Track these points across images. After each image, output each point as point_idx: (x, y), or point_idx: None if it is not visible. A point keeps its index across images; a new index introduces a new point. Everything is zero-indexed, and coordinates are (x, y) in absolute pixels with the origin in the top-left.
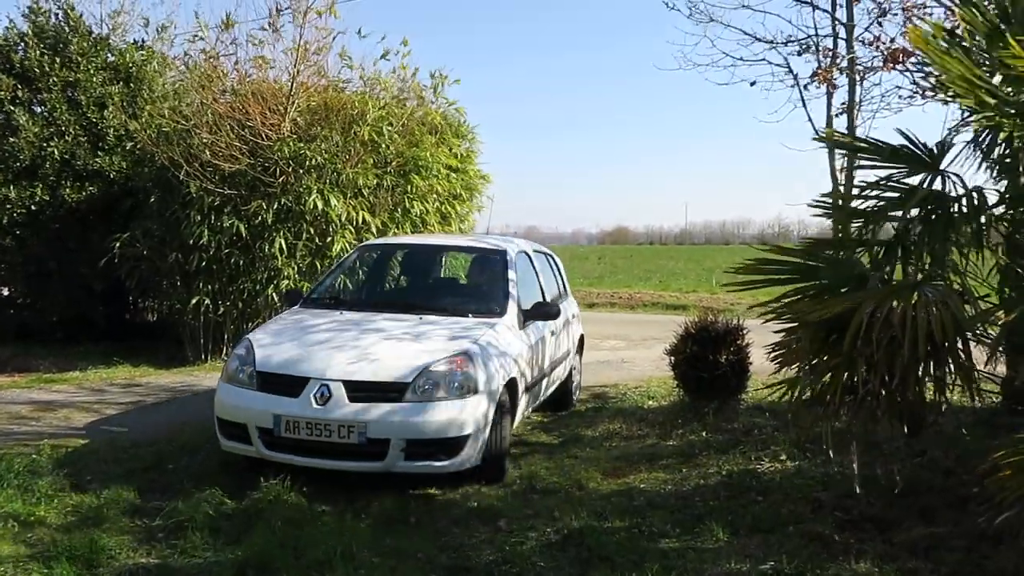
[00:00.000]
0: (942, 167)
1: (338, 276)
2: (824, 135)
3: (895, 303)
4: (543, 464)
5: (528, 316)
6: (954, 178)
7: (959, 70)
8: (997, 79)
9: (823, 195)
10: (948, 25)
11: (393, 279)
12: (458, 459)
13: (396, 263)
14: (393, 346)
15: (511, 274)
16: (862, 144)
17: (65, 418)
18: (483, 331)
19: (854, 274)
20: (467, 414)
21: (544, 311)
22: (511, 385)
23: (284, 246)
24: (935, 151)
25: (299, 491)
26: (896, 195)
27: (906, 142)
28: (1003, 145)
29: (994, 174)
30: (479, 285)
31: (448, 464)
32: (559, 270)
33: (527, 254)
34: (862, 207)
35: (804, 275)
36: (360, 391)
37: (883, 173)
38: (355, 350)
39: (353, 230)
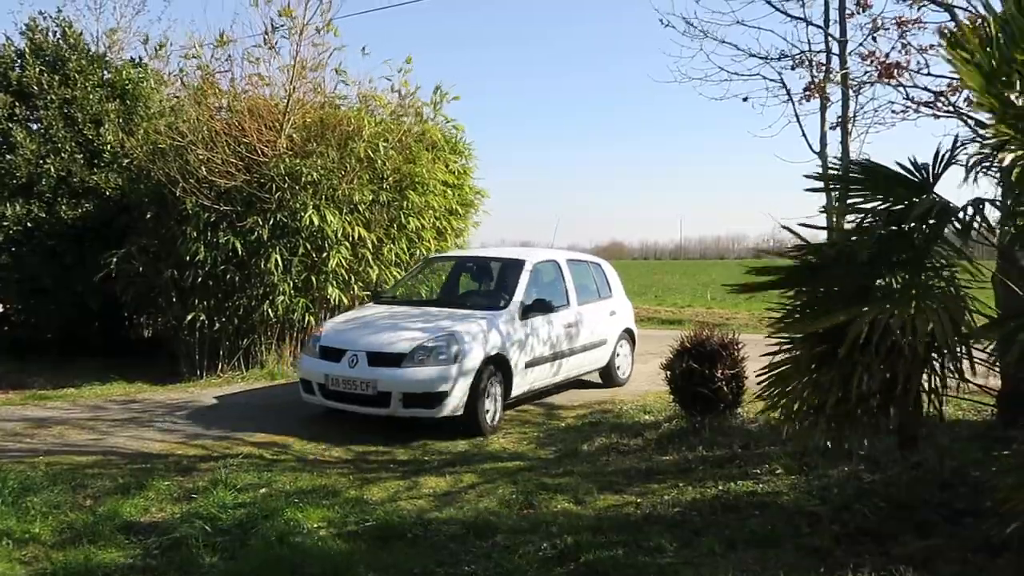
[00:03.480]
0: (936, 190)
1: (407, 279)
2: (817, 162)
3: (896, 311)
4: (540, 479)
5: (529, 309)
6: (947, 200)
7: (980, 81)
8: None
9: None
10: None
11: (442, 282)
12: (439, 408)
13: (447, 270)
14: (407, 329)
15: (523, 278)
16: (853, 175)
17: (60, 435)
18: (477, 320)
19: (855, 284)
20: (444, 378)
21: (543, 305)
22: (499, 359)
23: (280, 262)
24: (929, 175)
25: (295, 506)
26: (891, 211)
27: (900, 169)
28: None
29: (997, 184)
30: (496, 286)
31: (433, 411)
32: (604, 275)
33: (558, 263)
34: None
35: (805, 282)
36: (376, 359)
37: (874, 204)
38: (382, 331)
39: (349, 246)
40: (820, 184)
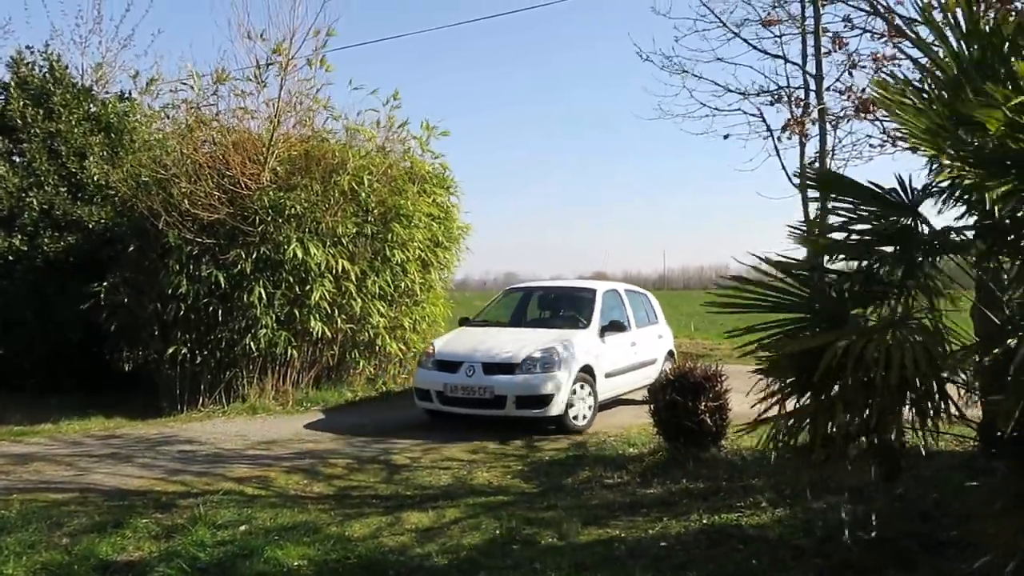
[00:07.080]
0: (919, 211)
1: (490, 307)
2: (803, 176)
3: (869, 341)
4: (524, 513)
5: (605, 329)
6: (928, 222)
7: (920, 122)
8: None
9: (795, 230)
10: (916, 76)
11: (524, 308)
12: (546, 408)
13: (527, 298)
14: (513, 343)
15: (597, 303)
16: (843, 184)
17: (37, 471)
18: (569, 336)
19: (832, 310)
20: (551, 382)
21: (616, 326)
22: (587, 368)
23: (263, 295)
24: (913, 196)
25: (275, 543)
26: (870, 231)
27: (874, 187)
28: (970, 192)
29: (963, 217)
30: (575, 310)
31: (541, 411)
32: (651, 304)
33: (618, 292)
34: (836, 241)
35: (783, 308)
36: (491, 368)
37: (859, 215)
38: (491, 346)
39: (332, 278)
40: (809, 188)
